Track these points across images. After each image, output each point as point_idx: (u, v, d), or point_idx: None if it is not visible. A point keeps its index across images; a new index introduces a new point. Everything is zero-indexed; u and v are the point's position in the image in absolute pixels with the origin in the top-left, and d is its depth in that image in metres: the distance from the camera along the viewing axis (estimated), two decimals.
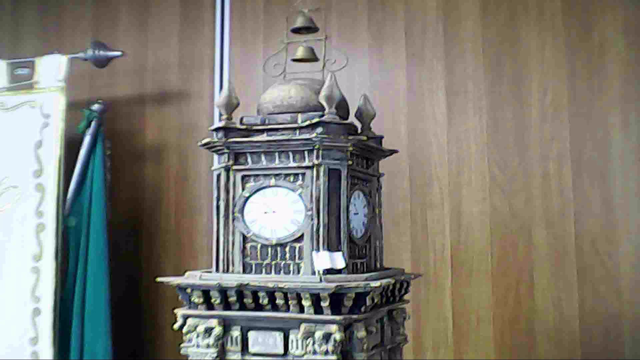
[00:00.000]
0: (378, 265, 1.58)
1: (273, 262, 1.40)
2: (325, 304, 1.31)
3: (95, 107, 2.50)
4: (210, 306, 1.38)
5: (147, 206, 2.74)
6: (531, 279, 2.39)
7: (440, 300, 2.48)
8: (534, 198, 2.39)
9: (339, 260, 1.36)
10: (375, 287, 1.33)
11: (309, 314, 1.32)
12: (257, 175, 1.44)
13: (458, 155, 2.49)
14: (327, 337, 1.31)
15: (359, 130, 1.60)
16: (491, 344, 2.42)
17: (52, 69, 2.41)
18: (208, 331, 1.37)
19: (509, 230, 2.42)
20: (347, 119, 1.54)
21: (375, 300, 1.39)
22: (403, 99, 2.55)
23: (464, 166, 2.48)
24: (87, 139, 2.42)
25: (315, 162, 1.39)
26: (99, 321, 2.35)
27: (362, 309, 1.35)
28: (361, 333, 1.33)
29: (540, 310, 2.37)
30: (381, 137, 1.64)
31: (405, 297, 1.65)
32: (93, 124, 2.46)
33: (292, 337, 1.35)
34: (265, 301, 1.35)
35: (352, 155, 1.45)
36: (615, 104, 2.31)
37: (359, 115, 1.62)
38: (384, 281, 1.38)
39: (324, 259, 1.34)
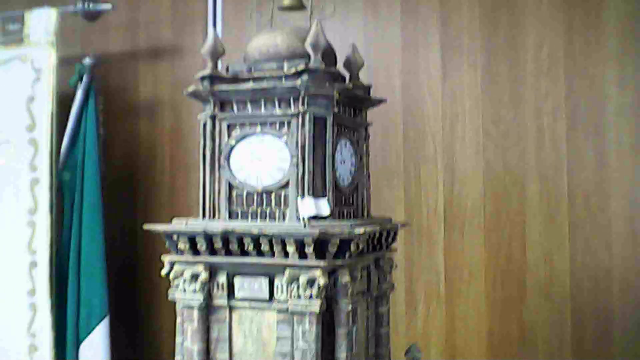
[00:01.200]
0: (365, 214, 1.59)
1: (259, 209, 1.41)
2: (309, 249, 1.32)
3: (87, 61, 2.49)
4: (196, 252, 1.40)
5: (141, 161, 2.75)
6: (523, 233, 2.40)
7: (433, 254, 2.50)
8: (527, 153, 2.39)
9: (323, 207, 1.37)
10: (360, 233, 1.34)
11: (293, 259, 1.33)
12: (242, 124, 1.43)
13: (452, 110, 2.48)
14: (311, 282, 1.32)
15: (347, 80, 1.59)
16: (483, 297, 2.45)
17: (42, 22, 2.39)
18: (194, 277, 1.39)
19: (502, 185, 2.42)
20: (334, 67, 1.52)
21: (361, 247, 1.40)
22: (397, 54, 2.53)
23: (458, 121, 2.47)
24: (79, 94, 2.41)
25: (301, 109, 1.39)
26: (94, 273, 2.38)
27: (347, 255, 1.36)
28: (345, 278, 1.35)
29: (532, 264, 2.39)
30: (369, 87, 1.63)
31: (394, 247, 1.66)
32: (85, 78, 2.45)
33: (277, 282, 1.37)
34: (251, 247, 1.36)
35: (338, 103, 1.45)
36: (612, 58, 2.29)
37: (347, 64, 1.61)
38: (369, 228, 1.39)
39: (309, 206, 1.35)
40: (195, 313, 1.40)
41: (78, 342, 2.38)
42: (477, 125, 2.45)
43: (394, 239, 1.62)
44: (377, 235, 1.50)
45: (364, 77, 1.66)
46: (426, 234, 2.51)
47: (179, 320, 1.44)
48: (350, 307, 1.36)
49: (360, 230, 1.34)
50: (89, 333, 2.37)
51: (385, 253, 1.59)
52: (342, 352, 1.36)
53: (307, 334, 1.33)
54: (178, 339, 1.44)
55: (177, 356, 1.45)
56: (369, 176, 1.61)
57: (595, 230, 2.32)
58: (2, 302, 2.38)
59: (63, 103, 2.39)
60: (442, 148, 2.49)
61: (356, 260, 1.41)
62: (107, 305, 2.39)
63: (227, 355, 1.40)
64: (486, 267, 2.45)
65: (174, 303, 1.44)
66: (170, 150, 2.74)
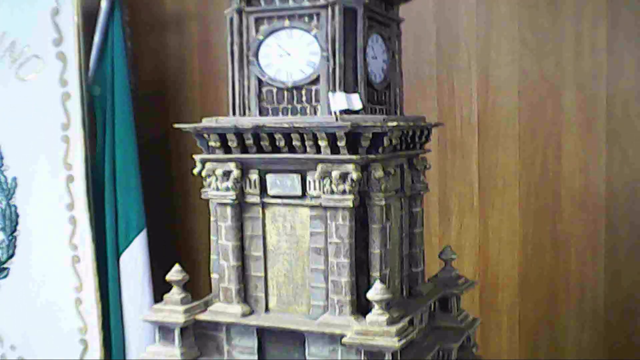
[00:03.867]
0: (398, 113, 1.56)
1: (289, 106, 1.39)
2: (341, 143, 1.30)
3: None
4: (227, 150, 1.40)
5: (171, 74, 2.74)
6: (559, 143, 2.35)
7: (467, 166, 2.47)
8: (564, 60, 2.30)
9: (355, 101, 1.34)
10: (393, 126, 1.31)
11: (325, 154, 1.32)
12: (270, 17, 1.39)
13: (487, 17, 2.38)
14: (344, 176, 1.31)
15: None
16: (516, 208, 2.43)
17: None
18: (226, 174, 1.39)
19: (538, 94, 2.35)
20: None
21: (394, 142, 1.38)
22: None
23: (492, 28, 2.38)
24: (104, 5, 2.37)
25: (330, 0, 1.34)
26: (130, 186, 2.42)
27: (380, 149, 1.34)
28: (379, 173, 1.33)
29: (567, 174, 2.35)
30: None
31: (428, 147, 1.64)
32: None
33: (309, 178, 1.36)
34: (282, 143, 1.35)
35: None
36: None
37: None
38: (402, 122, 1.36)
39: (341, 100, 1.32)
40: (229, 210, 1.41)
41: (118, 254, 2.44)
42: (513, 32, 2.36)
43: (427, 139, 1.59)
44: (410, 132, 1.48)
45: None
46: (460, 145, 2.47)
47: (212, 219, 1.46)
48: (383, 203, 1.35)
49: (393, 123, 1.31)
50: (128, 245, 2.43)
51: (418, 152, 1.56)
52: (375, 248, 1.36)
53: (340, 229, 1.33)
54: (212, 237, 1.47)
55: (213, 255, 1.47)
56: (401, 74, 1.57)
57: (633, 140, 2.25)
58: (43, 216, 2.44)
59: (88, 15, 2.36)
60: (476, 57, 2.41)
61: (389, 156, 1.39)
62: (144, 217, 2.43)
63: (261, 252, 1.42)
64: (520, 178, 2.41)
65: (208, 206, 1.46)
66: (199, 63, 2.71)
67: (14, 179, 2.45)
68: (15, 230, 2.49)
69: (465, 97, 2.43)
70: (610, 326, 2.33)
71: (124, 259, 2.44)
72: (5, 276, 2.52)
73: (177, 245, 2.75)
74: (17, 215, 2.48)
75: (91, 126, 2.42)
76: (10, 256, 2.50)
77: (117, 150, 2.41)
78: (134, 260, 2.42)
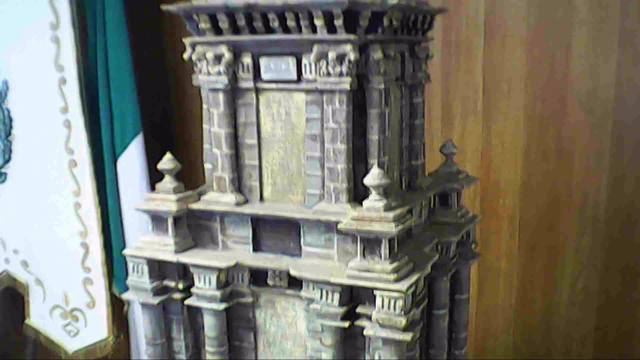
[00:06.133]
0: None
1: None
2: (338, 22, 1.23)
3: None
4: (218, 32, 1.32)
5: None
6: (568, 44, 2.26)
7: (471, 69, 2.39)
8: None
9: None
10: (393, 4, 1.24)
11: (322, 34, 1.25)
12: None
13: None
14: (341, 57, 1.25)
15: None
16: (521, 112, 2.36)
17: None
18: (218, 58, 1.33)
19: None
20: None
21: (394, 24, 1.31)
22: None
23: None
24: None
25: None
26: (124, 89, 2.36)
27: (379, 30, 1.27)
28: (378, 55, 1.27)
29: (576, 77, 2.27)
30: None
31: (431, 35, 1.56)
32: None
33: (305, 61, 1.30)
34: (276, 23, 1.28)
35: None
36: None
37: None
38: (403, 2, 1.29)
39: None
40: (221, 96, 1.35)
41: (115, 158, 2.41)
42: None
43: (430, 25, 1.51)
44: (412, 16, 1.40)
45: None
46: (464, 47, 2.38)
47: (205, 106, 1.41)
48: (382, 87, 1.29)
49: (393, 1, 1.24)
50: (124, 149, 2.40)
51: (421, 40, 1.49)
52: (373, 134, 1.32)
53: (337, 113, 1.28)
54: (205, 126, 1.42)
55: (206, 144, 1.43)
56: None
57: None
58: (37, 120, 2.40)
59: None
60: None
61: (389, 38, 1.32)
62: (139, 120, 2.39)
63: (255, 140, 1.38)
64: (527, 82, 2.34)
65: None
66: None
67: (5, 82, 2.39)
68: (9, 134, 2.45)
69: None
70: (610, 232, 2.31)
71: (121, 162, 2.41)
72: (3, 181, 2.51)
73: (175, 147, 2.71)
74: (10, 119, 2.43)
75: (81, 26, 2.33)
76: (7, 160, 2.48)
77: (109, 51, 2.33)
78: (131, 164, 2.40)
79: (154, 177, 2.37)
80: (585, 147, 2.30)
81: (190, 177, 1.49)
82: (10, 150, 2.47)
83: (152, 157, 2.43)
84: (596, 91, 2.26)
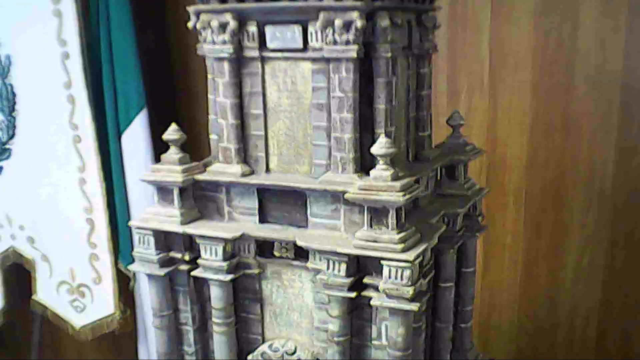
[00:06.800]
0: None
1: None
2: None
3: None
4: None
5: None
6: (576, 17, 2.23)
7: (478, 42, 2.36)
8: None
9: None
10: None
11: (328, 1, 1.23)
12: None
13: None
14: (347, 25, 1.23)
15: None
16: (528, 86, 2.34)
17: None
18: (222, 26, 1.31)
19: None
20: None
21: None
22: None
23: None
24: None
25: None
26: (127, 63, 2.33)
27: None
28: (385, 22, 1.25)
29: (584, 50, 2.25)
30: None
31: (438, 5, 1.53)
32: None
33: (311, 29, 1.28)
34: None
35: None
36: None
37: None
38: None
39: None
40: (226, 65, 1.34)
41: (119, 134, 2.40)
42: None
43: None
44: None
45: None
46: (471, 20, 2.35)
47: (209, 76, 1.39)
48: (390, 55, 1.27)
49: None
50: (128, 124, 2.38)
51: (427, 9, 1.47)
52: (380, 103, 1.30)
53: (343, 82, 1.27)
54: (210, 97, 1.41)
55: (211, 114, 1.42)
56: None
57: None
58: (39, 95, 2.38)
59: None
60: None
61: (397, 5, 1.30)
62: (144, 95, 2.37)
63: (261, 110, 1.36)
64: (534, 55, 2.31)
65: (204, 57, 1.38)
66: None
67: (7, 56, 2.37)
68: (13, 110, 2.44)
69: None
70: (616, 207, 2.30)
71: (126, 138, 2.40)
72: (8, 157, 2.50)
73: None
74: (14, 95, 2.42)
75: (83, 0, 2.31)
76: (11, 137, 2.47)
77: (112, 25, 2.31)
78: (136, 140, 2.39)
79: (159, 152, 2.37)
80: (592, 121, 2.28)
81: (195, 154, 1.47)
82: (14, 127, 2.46)
83: (156, 132, 2.43)
84: (604, 65, 2.23)
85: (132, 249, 1.43)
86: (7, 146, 2.48)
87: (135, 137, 2.39)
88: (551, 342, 2.51)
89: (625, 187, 2.29)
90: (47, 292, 2.60)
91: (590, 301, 2.42)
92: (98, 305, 2.54)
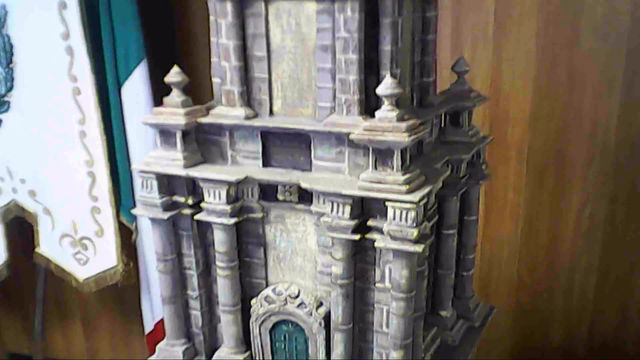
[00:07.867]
0: None
1: None
2: None
3: None
4: None
5: None
6: None
7: None
8: None
9: None
10: None
11: None
12: None
13: None
14: None
15: None
16: (533, 39, 2.31)
17: None
18: None
19: None
20: None
21: None
22: None
23: None
24: None
25: None
26: (126, 13, 2.30)
27: None
28: None
29: (590, 1, 2.21)
30: None
31: None
32: None
33: None
34: None
35: None
36: None
37: None
38: None
39: None
40: (229, 6, 1.31)
41: (119, 85, 2.38)
42: None
43: None
44: None
45: None
46: None
47: (211, 18, 1.37)
48: None
49: None
50: (128, 76, 2.36)
51: None
52: (386, 44, 1.28)
53: (349, 22, 1.24)
54: (212, 39, 1.38)
55: (213, 57, 1.40)
56: None
57: None
58: (38, 47, 2.35)
59: None
60: None
61: None
62: (143, 47, 2.34)
63: (264, 52, 1.34)
64: (539, 6, 2.27)
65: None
66: None
67: (3, 6, 2.34)
68: (11, 61, 2.42)
69: None
70: (618, 161, 2.30)
71: (126, 90, 2.38)
72: (7, 110, 2.49)
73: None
74: (11, 46, 2.39)
75: None
76: (10, 89, 2.45)
77: None
78: (136, 91, 2.37)
79: (159, 104, 2.35)
80: (597, 74, 2.26)
81: (197, 103, 1.46)
82: (12, 79, 2.44)
83: (157, 84, 2.40)
84: (611, 16, 2.20)
85: (134, 202, 1.43)
86: (5, 99, 2.47)
87: (136, 88, 2.36)
88: (550, 296, 2.54)
89: (628, 141, 2.28)
90: (50, 245, 2.62)
91: (590, 257, 2.44)
92: (101, 258, 2.56)
